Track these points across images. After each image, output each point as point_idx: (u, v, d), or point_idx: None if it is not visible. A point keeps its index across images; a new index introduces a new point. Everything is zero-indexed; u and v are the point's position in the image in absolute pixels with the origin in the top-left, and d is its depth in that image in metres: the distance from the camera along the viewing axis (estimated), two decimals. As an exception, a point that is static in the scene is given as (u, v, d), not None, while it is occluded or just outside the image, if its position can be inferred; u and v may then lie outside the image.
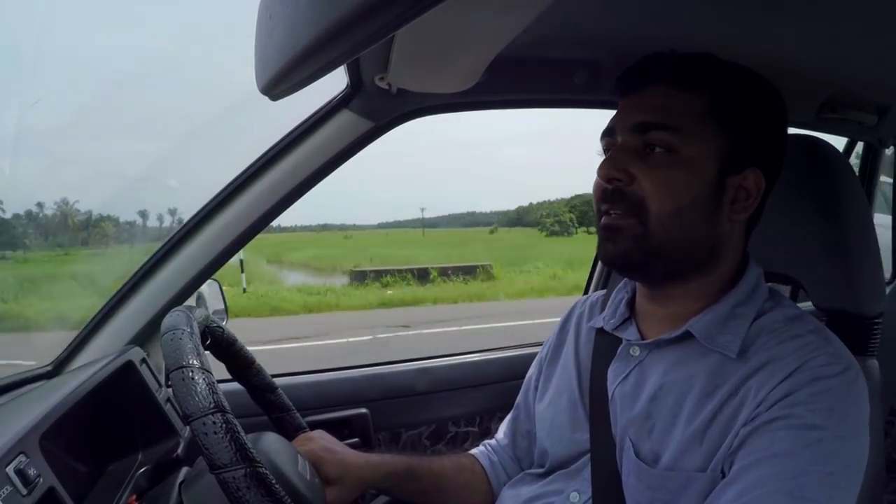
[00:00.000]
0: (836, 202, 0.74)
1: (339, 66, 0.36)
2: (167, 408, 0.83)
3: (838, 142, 1.41)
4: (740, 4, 0.73)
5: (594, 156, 0.68)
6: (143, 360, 0.86)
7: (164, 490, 0.65)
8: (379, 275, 14.04)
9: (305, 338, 6.92)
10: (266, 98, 0.46)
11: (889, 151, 1.51)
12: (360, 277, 14.09)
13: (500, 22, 0.60)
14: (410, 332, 7.22)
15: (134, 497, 0.68)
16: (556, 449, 0.72)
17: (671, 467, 0.58)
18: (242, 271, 13.19)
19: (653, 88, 0.62)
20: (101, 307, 0.95)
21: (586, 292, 1.41)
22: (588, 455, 0.67)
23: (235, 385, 0.76)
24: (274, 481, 0.47)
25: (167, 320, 0.56)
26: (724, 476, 0.55)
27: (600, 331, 0.73)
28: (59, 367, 0.91)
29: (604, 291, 0.82)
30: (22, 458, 0.54)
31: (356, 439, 1.10)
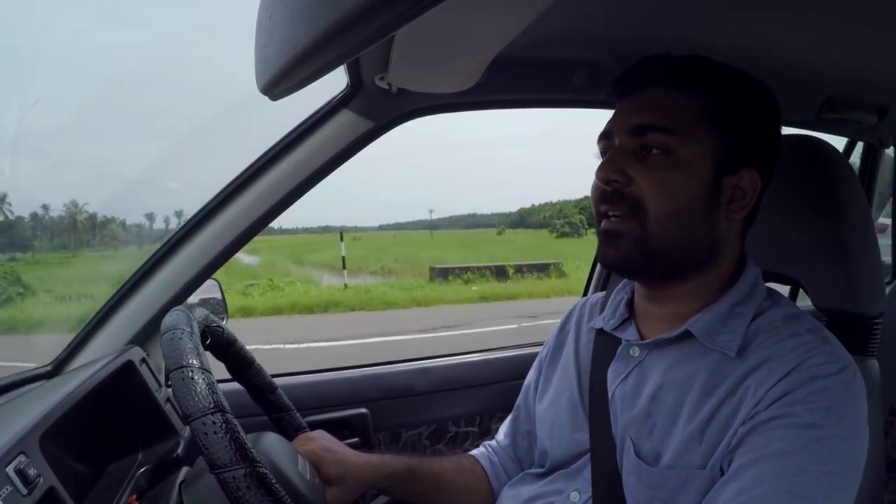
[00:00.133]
0: (836, 202, 0.74)
1: (340, 65, 0.36)
2: (167, 407, 0.83)
3: (838, 142, 1.41)
4: (740, 5, 0.73)
5: (596, 156, 0.69)
6: (143, 360, 0.86)
7: (165, 490, 0.65)
8: (459, 272, 14.43)
9: (455, 327, 7.06)
10: (266, 98, 0.46)
11: (889, 151, 1.51)
12: (442, 274, 14.49)
13: (500, 22, 0.61)
14: (544, 322, 7.37)
15: (134, 497, 0.68)
16: (556, 449, 0.73)
17: (671, 466, 0.58)
18: (344, 267, 13.70)
19: (649, 91, 0.63)
20: (100, 307, 0.95)
21: (585, 293, 1.41)
22: (588, 455, 0.68)
23: (235, 385, 0.76)
24: (274, 481, 0.47)
25: (167, 320, 0.56)
26: (722, 474, 0.56)
27: (600, 331, 0.74)
28: (58, 366, 0.91)
29: (603, 293, 0.83)
30: (22, 457, 0.54)
31: (356, 439, 1.10)
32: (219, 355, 0.71)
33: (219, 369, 0.61)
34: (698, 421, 0.58)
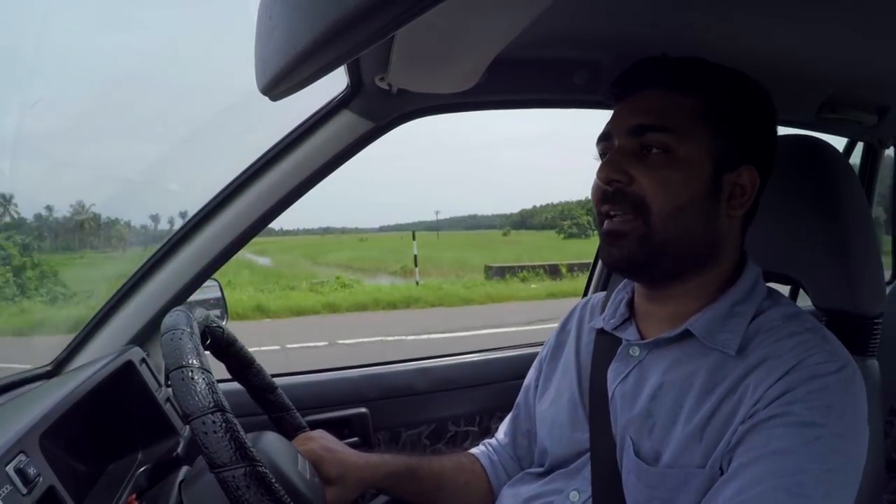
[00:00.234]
0: (837, 202, 0.74)
1: (339, 66, 0.36)
2: (167, 407, 0.83)
3: (838, 142, 1.41)
4: (740, 5, 0.73)
5: (595, 159, 0.69)
6: (143, 360, 0.86)
7: (164, 489, 0.66)
8: (515, 271, 14.95)
9: (553, 319, 7.19)
10: (266, 99, 0.46)
11: (889, 151, 1.51)
12: (499, 273, 15.07)
13: (500, 22, 0.61)
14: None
15: (134, 496, 0.68)
16: (556, 448, 0.73)
17: (671, 465, 0.59)
18: (416, 265, 14.29)
19: (647, 92, 0.64)
20: (100, 307, 0.95)
21: (585, 294, 1.41)
22: (588, 454, 0.68)
23: (235, 385, 0.76)
24: (274, 480, 0.47)
25: (167, 320, 0.56)
26: (722, 473, 0.56)
27: (600, 331, 0.74)
28: (58, 366, 0.91)
29: (604, 293, 0.83)
30: (22, 457, 0.54)
31: (356, 439, 1.10)
32: (219, 355, 0.71)
33: (219, 369, 0.61)
34: (698, 420, 0.58)
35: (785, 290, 0.78)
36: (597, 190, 0.65)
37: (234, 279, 14.51)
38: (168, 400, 0.85)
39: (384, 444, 1.17)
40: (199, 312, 0.65)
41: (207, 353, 0.61)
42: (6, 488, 0.51)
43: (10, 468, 0.52)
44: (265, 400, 0.76)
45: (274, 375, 0.78)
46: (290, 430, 0.77)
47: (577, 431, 0.70)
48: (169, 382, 0.51)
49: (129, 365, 0.82)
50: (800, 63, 0.90)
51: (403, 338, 6.33)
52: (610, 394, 0.67)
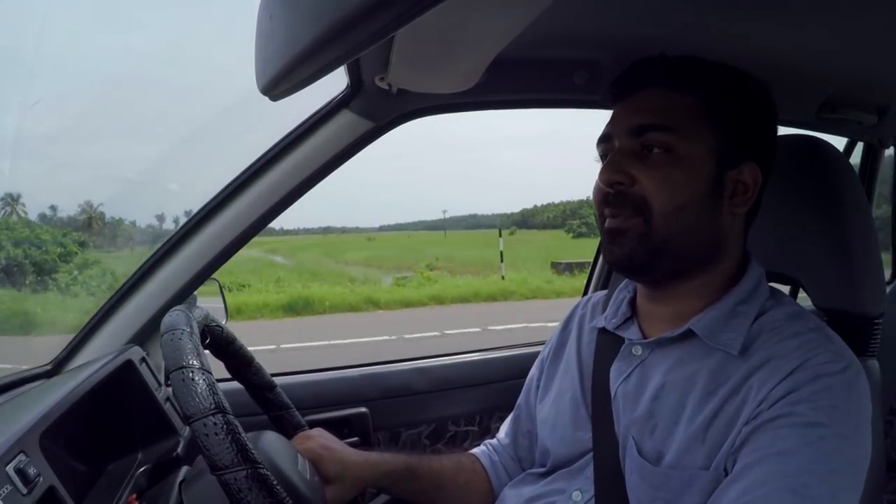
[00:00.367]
0: (837, 202, 0.74)
1: (340, 66, 0.36)
2: (167, 407, 0.83)
3: (838, 142, 1.41)
4: (740, 5, 0.73)
5: (595, 160, 0.69)
6: (143, 360, 0.86)
7: (164, 489, 0.65)
8: (582, 266, 15.43)
9: None
10: (265, 99, 0.46)
11: (889, 151, 1.51)
12: (568, 269, 15.96)
13: (500, 22, 0.61)
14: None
15: (134, 496, 0.68)
16: (558, 448, 0.73)
17: (674, 465, 0.58)
18: (502, 260, 14.72)
19: (646, 91, 0.64)
20: (100, 306, 0.95)
21: (586, 293, 1.41)
22: (590, 454, 0.68)
23: (233, 384, 0.76)
24: (275, 482, 0.47)
25: (166, 320, 0.56)
26: (726, 474, 0.55)
27: (602, 330, 0.74)
28: (58, 366, 0.91)
29: (605, 292, 0.83)
30: (22, 457, 0.54)
31: (356, 438, 1.10)
32: (218, 354, 0.71)
33: (218, 368, 0.61)
34: (701, 420, 0.58)
35: (785, 289, 0.78)
36: (598, 192, 0.65)
37: (269, 276, 14.80)
38: (168, 399, 0.85)
39: (384, 444, 1.17)
40: (199, 312, 0.65)
41: (207, 352, 0.61)
42: (6, 488, 0.51)
43: (10, 468, 0.52)
44: (264, 398, 0.76)
45: (273, 375, 0.78)
46: (289, 429, 0.77)
47: (579, 431, 0.70)
48: (169, 383, 0.50)
49: (128, 364, 0.82)
50: (800, 63, 0.90)
51: (545, 324, 6.52)
52: (612, 393, 0.67)
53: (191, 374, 0.49)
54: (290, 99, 0.46)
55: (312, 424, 0.79)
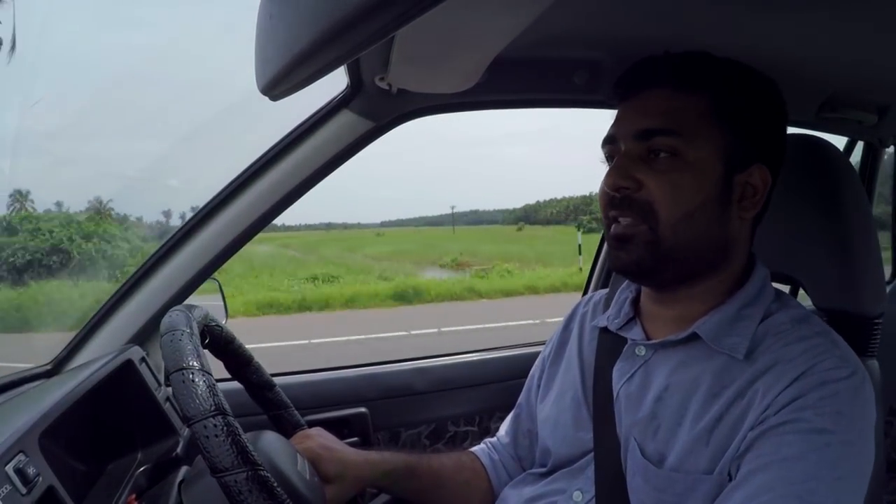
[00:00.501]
0: (837, 202, 0.74)
1: (340, 66, 0.36)
2: (166, 407, 0.83)
3: (838, 142, 1.41)
4: (740, 4, 0.73)
5: (600, 153, 0.68)
6: (143, 359, 0.86)
7: (164, 489, 0.66)
8: None
9: None
10: (265, 98, 0.46)
11: (889, 151, 1.51)
12: None
13: (500, 22, 0.60)
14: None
15: (133, 496, 0.68)
16: (559, 448, 0.72)
17: (677, 468, 0.58)
18: (580, 253, 14.99)
19: (651, 92, 0.62)
20: (100, 306, 0.95)
21: (586, 291, 1.41)
22: (591, 454, 0.68)
23: (233, 384, 0.76)
24: (276, 484, 0.47)
25: (166, 320, 0.56)
26: (730, 479, 0.55)
27: (604, 330, 0.73)
28: (58, 365, 0.91)
29: (606, 291, 0.82)
30: (21, 456, 0.54)
31: (355, 438, 1.10)
32: (217, 353, 0.71)
33: (217, 367, 0.61)
34: (704, 423, 0.58)
35: (784, 289, 0.78)
36: (604, 195, 0.64)
37: (318, 273, 15.02)
38: (168, 399, 0.85)
39: (384, 444, 1.17)
40: (198, 312, 0.65)
41: (206, 351, 0.61)
42: (5, 488, 0.51)
43: (9, 468, 0.52)
44: (263, 398, 0.76)
45: (273, 375, 0.78)
46: (288, 428, 0.77)
47: (580, 431, 0.70)
48: (169, 383, 0.50)
49: (128, 364, 0.82)
50: (800, 63, 0.90)
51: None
52: (615, 393, 0.67)
53: (191, 376, 0.49)
54: (290, 99, 0.46)
55: (312, 424, 0.79)
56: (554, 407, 0.76)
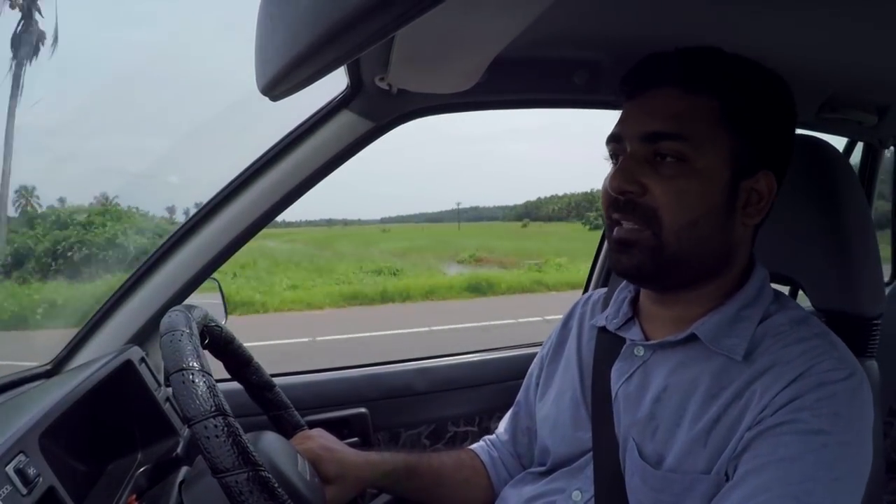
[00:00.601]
0: (837, 202, 0.74)
1: (340, 66, 0.36)
2: (166, 407, 0.83)
3: (838, 142, 1.41)
4: (740, 4, 0.73)
5: (602, 150, 0.67)
6: (143, 360, 0.86)
7: (164, 490, 0.66)
8: None
9: None
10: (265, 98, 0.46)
11: (889, 151, 1.51)
12: None
13: (500, 23, 0.60)
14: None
15: (134, 497, 0.68)
16: (558, 447, 0.72)
17: (675, 469, 0.58)
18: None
19: (660, 91, 0.60)
20: (100, 306, 0.95)
21: (586, 290, 1.41)
22: (590, 454, 0.68)
23: (233, 384, 0.76)
24: (276, 484, 0.47)
25: (166, 320, 0.56)
26: (727, 479, 0.55)
27: (602, 329, 0.73)
28: (58, 365, 0.91)
29: (605, 290, 0.82)
30: (21, 457, 0.54)
31: (355, 439, 1.10)
32: (217, 354, 0.71)
33: (217, 367, 0.61)
34: (703, 424, 0.58)
35: (784, 290, 0.78)
36: (607, 196, 0.63)
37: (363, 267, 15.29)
38: (168, 400, 0.85)
39: (383, 445, 1.17)
40: (198, 312, 0.65)
41: (206, 351, 0.61)
42: (6, 489, 0.51)
43: (9, 468, 0.52)
44: (263, 398, 0.76)
45: (273, 375, 0.78)
46: (288, 429, 0.77)
47: (579, 430, 0.70)
48: (169, 384, 0.50)
49: (128, 364, 0.82)
50: (800, 63, 0.90)
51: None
52: (613, 394, 0.67)
53: (191, 377, 0.49)
54: (290, 99, 0.46)
55: (312, 425, 0.79)
56: (553, 406, 0.76)
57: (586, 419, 0.70)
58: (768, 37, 0.81)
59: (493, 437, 0.88)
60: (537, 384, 0.82)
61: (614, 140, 0.64)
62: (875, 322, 0.77)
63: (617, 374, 0.67)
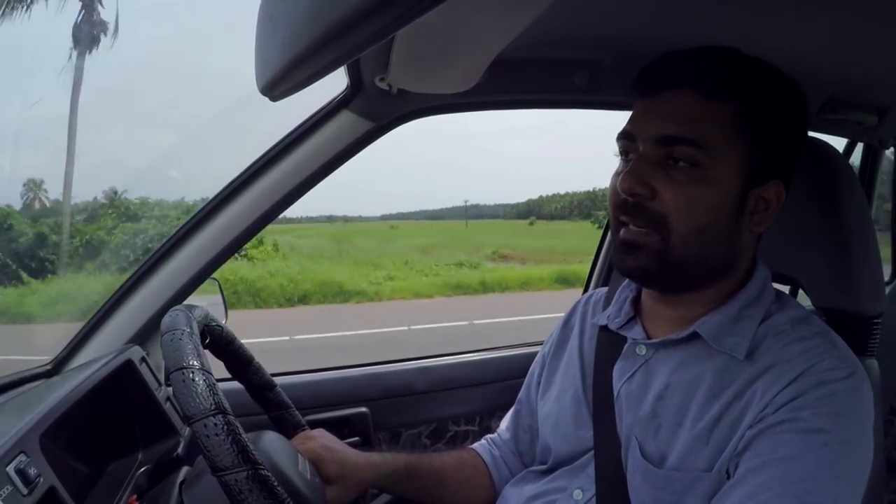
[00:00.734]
0: (837, 202, 0.74)
1: (340, 66, 0.36)
2: (167, 407, 0.83)
3: (838, 142, 1.41)
4: (740, 4, 0.73)
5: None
6: (143, 359, 0.86)
7: (165, 490, 0.65)
8: None
9: None
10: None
11: (889, 152, 1.51)
12: None
13: (500, 23, 0.60)
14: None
15: (134, 497, 0.68)
16: (559, 445, 0.72)
17: (677, 468, 0.58)
18: None
19: (677, 93, 0.59)
20: (100, 306, 0.95)
21: (587, 289, 1.41)
22: (591, 452, 0.68)
23: (234, 384, 0.76)
24: (276, 483, 0.47)
25: (166, 320, 0.56)
26: (728, 477, 0.55)
27: (604, 328, 0.73)
28: (58, 365, 0.91)
29: (606, 288, 0.82)
30: (22, 457, 0.54)
31: (356, 438, 1.10)
32: (218, 353, 0.71)
33: (217, 367, 0.61)
34: (705, 423, 0.58)
35: (784, 289, 0.78)
36: (615, 196, 0.62)
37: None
38: (168, 399, 0.85)
39: (384, 444, 1.17)
40: (199, 311, 0.65)
41: (206, 351, 0.61)
42: (7, 489, 0.51)
43: (10, 468, 0.52)
44: (264, 398, 0.76)
45: (273, 375, 0.78)
46: (289, 429, 0.77)
47: (580, 429, 0.70)
48: (169, 383, 0.51)
49: (128, 364, 0.82)
50: (800, 63, 0.90)
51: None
52: (615, 392, 0.67)
53: (191, 375, 0.49)
54: (289, 98, 0.46)
55: (313, 424, 0.79)
56: (555, 405, 0.76)
57: (588, 418, 0.70)
58: (768, 37, 0.81)
59: (494, 436, 0.88)
60: (539, 382, 0.82)
61: (626, 137, 0.63)
62: (875, 321, 0.77)
63: (619, 372, 0.67)
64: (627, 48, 0.83)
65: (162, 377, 0.90)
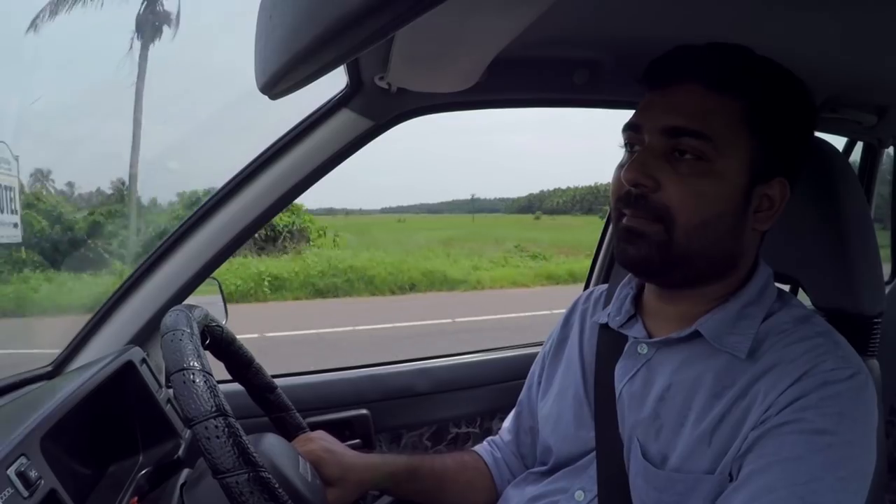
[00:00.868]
0: (836, 202, 0.73)
1: (339, 65, 0.36)
2: (168, 408, 0.83)
3: (838, 141, 1.41)
4: (739, 4, 0.73)
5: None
6: (143, 360, 0.85)
7: (166, 492, 0.65)
8: None
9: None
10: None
11: (889, 151, 1.51)
12: None
13: (501, 22, 0.60)
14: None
15: (135, 499, 0.68)
16: (560, 446, 0.72)
17: (678, 469, 0.58)
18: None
19: (685, 87, 0.59)
20: (100, 306, 0.95)
21: (587, 286, 1.41)
22: (593, 453, 0.67)
23: (235, 385, 0.76)
24: (277, 485, 0.47)
25: (166, 320, 0.56)
26: (731, 479, 0.55)
27: (604, 327, 0.73)
28: (58, 367, 0.91)
29: (606, 286, 0.82)
30: (23, 459, 0.54)
31: (357, 440, 1.09)
32: (218, 355, 0.70)
33: (218, 368, 0.60)
34: (707, 423, 0.57)
35: (784, 289, 0.78)
36: (619, 187, 0.61)
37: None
38: (169, 401, 0.85)
39: (385, 446, 1.17)
40: (199, 312, 0.64)
41: (207, 352, 0.61)
42: (7, 491, 0.51)
43: (11, 471, 0.52)
44: (265, 400, 0.76)
45: (274, 376, 0.78)
46: (290, 431, 0.76)
47: (582, 429, 0.70)
48: (170, 384, 0.50)
49: (129, 365, 0.81)
50: (799, 63, 0.89)
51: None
52: (618, 392, 0.66)
53: (192, 376, 0.49)
54: (288, 98, 0.46)
55: (314, 426, 0.79)
56: (555, 405, 0.75)
57: (588, 418, 0.70)
58: (768, 36, 0.81)
59: (495, 437, 0.88)
60: (539, 382, 0.82)
61: (632, 129, 0.62)
62: (875, 321, 0.77)
63: (621, 372, 0.67)
64: (627, 47, 0.83)
65: (162, 378, 0.90)
